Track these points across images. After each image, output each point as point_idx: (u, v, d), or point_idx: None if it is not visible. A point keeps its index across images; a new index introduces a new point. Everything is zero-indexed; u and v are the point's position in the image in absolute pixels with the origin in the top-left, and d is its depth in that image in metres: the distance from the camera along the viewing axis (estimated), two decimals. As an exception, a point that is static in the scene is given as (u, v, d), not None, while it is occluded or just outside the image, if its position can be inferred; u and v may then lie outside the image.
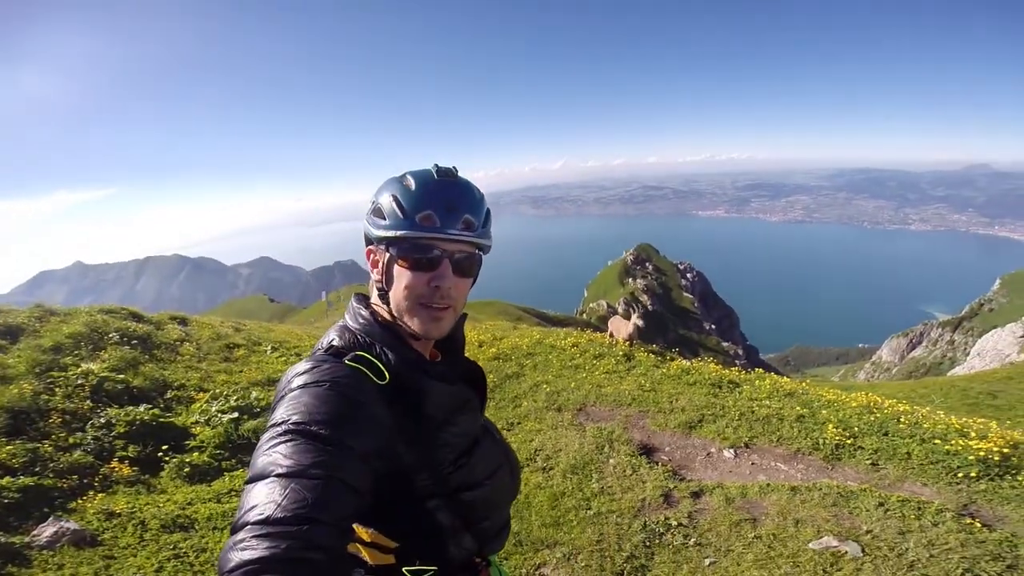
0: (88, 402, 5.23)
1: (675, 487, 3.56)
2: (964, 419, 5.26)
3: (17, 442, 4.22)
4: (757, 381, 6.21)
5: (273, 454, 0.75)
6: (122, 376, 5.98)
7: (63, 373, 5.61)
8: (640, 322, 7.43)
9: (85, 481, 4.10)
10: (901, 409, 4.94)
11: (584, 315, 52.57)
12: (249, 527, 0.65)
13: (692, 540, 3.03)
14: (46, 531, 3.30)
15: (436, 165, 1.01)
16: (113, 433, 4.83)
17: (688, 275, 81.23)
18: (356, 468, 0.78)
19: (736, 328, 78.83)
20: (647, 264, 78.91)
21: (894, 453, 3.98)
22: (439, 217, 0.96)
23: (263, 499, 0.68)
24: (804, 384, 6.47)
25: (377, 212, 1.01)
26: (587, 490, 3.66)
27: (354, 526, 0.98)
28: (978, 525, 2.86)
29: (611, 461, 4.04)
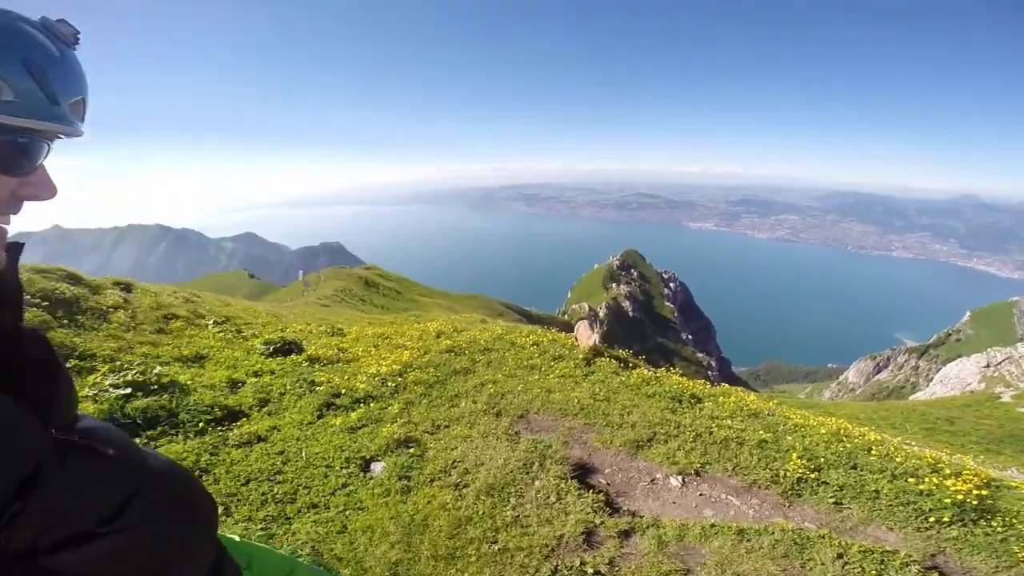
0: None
1: (602, 523, 2.97)
2: (936, 451, 4.83)
3: None
4: (721, 397, 5.68)
5: None
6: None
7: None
8: (597, 339, 7.10)
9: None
10: (872, 439, 4.45)
11: (566, 316, 52.32)
12: None
13: (608, 596, 2.45)
14: None
15: None
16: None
17: (671, 284, 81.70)
18: None
19: (712, 340, 79.58)
20: (632, 271, 79.07)
21: (861, 490, 3.48)
22: None
23: None
24: (771, 403, 5.97)
25: None
26: (499, 518, 3.05)
27: None
28: (946, 584, 2.34)
29: (536, 483, 3.44)
